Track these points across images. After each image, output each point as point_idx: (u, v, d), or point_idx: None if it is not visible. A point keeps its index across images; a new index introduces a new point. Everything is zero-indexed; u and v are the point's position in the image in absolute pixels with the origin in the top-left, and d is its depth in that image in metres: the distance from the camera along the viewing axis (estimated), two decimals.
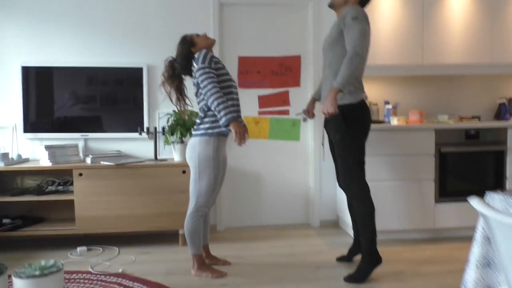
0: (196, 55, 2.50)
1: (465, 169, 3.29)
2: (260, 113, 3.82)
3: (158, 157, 3.59)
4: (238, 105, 2.63)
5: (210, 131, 2.50)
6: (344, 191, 2.64)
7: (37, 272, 1.84)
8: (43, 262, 1.93)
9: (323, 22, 3.77)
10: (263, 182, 3.87)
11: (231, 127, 2.39)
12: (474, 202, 0.98)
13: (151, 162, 3.30)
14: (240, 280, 2.58)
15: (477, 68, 3.60)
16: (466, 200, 3.32)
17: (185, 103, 2.69)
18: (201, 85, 2.43)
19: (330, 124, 2.58)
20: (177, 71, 2.67)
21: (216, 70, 2.50)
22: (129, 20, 3.63)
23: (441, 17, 3.50)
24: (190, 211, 2.58)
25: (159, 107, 3.66)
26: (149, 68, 3.61)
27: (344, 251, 3.09)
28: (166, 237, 3.56)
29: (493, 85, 3.94)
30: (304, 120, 3.87)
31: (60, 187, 3.39)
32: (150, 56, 3.64)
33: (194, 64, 2.49)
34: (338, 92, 2.39)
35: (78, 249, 3.18)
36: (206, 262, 2.72)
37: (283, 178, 3.89)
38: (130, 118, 3.56)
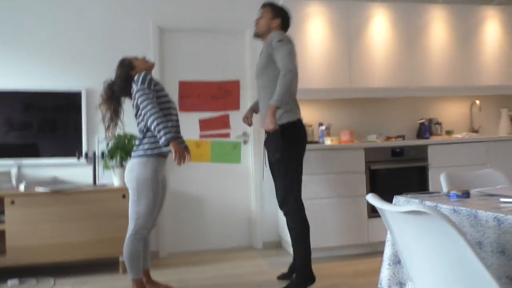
0: (135, 77, 2.55)
1: (393, 184, 3.55)
2: (201, 136, 3.90)
3: (97, 183, 3.52)
4: (178, 126, 2.69)
5: (149, 152, 2.52)
6: (280, 208, 2.75)
7: None
8: None
9: (259, 48, 3.97)
10: (206, 205, 3.91)
11: (171, 146, 2.43)
12: (369, 197, 1.12)
13: (90, 188, 3.24)
14: None
15: (398, 91, 3.96)
16: None
17: (116, 125, 2.70)
18: (141, 106, 2.47)
19: (270, 142, 2.71)
20: (115, 93, 2.70)
21: (155, 91, 2.56)
22: (68, 43, 3.62)
23: (365, 45, 3.83)
24: (129, 234, 2.56)
25: (99, 131, 3.62)
26: (88, 92, 3.59)
27: (286, 270, 3.17)
28: (106, 266, 3.46)
29: (414, 107, 4.32)
30: (245, 142, 3.99)
31: None
32: (89, 80, 3.63)
33: (134, 86, 2.53)
34: (276, 109, 2.54)
35: (9, 282, 3.01)
36: (146, 287, 2.69)
37: (226, 201, 3.95)
38: (68, 143, 3.50)
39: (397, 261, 1.53)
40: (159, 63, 3.74)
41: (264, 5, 2.85)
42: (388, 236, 1.59)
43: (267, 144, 2.78)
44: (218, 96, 3.93)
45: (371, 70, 3.83)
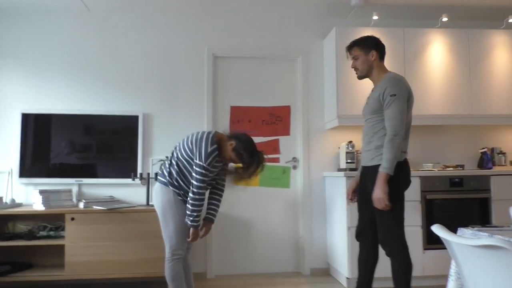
0: (205, 144, 2.46)
1: (451, 215, 3.35)
2: None
3: (150, 203, 3.63)
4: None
5: (170, 186, 2.54)
6: (382, 247, 2.54)
7: None
8: None
9: (311, 75, 3.99)
10: (254, 229, 3.89)
11: (191, 230, 2.50)
12: (435, 228, 1.06)
13: (143, 207, 3.34)
14: None
15: (457, 119, 3.75)
16: None
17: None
18: (194, 176, 2.45)
19: (371, 176, 2.52)
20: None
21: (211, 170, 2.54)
22: (126, 69, 3.83)
23: (422, 71, 3.72)
24: (167, 257, 2.55)
25: (153, 154, 3.76)
26: (144, 116, 3.76)
27: None
28: (155, 284, 3.52)
29: (475, 135, 4.11)
30: (294, 167, 3.97)
31: (51, 232, 3.40)
32: (146, 104, 3.80)
33: (195, 149, 2.49)
34: (387, 176, 2.35)
35: None
36: None
37: (274, 225, 3.92)
38: (124, 164, 3.65)
39: None
40: (212, 89, 3.85)
41: (350, 47, 2.60)
42: (451, 271, 1.49)
43: (366, 177, 2.58)
44: (269, 121, 3.97)
45: (428, 97, 3.70)
